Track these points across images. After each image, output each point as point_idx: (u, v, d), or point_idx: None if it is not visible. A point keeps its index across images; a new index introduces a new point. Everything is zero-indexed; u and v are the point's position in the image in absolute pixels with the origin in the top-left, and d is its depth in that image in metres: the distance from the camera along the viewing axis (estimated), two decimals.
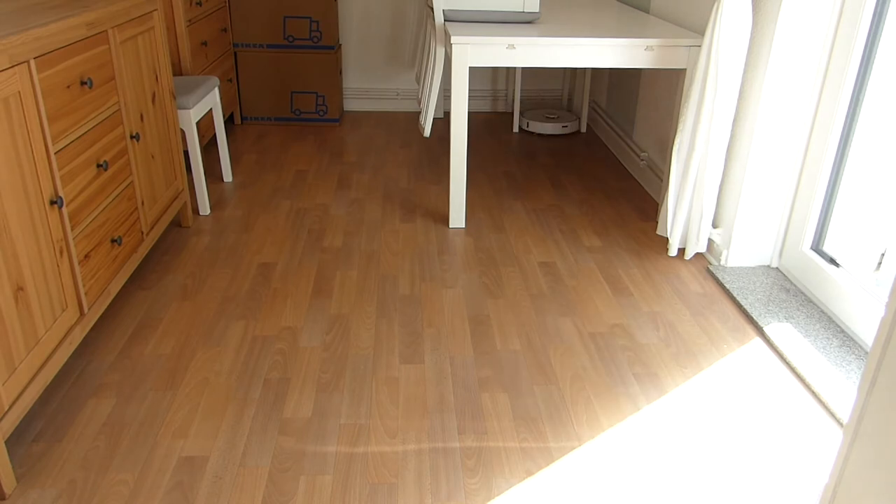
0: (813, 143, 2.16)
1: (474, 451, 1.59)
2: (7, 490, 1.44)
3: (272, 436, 1.62)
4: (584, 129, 3.86)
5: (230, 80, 3.59)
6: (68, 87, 1.69)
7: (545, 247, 2.52)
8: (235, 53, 3.64)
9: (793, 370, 1.87)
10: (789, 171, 2.25)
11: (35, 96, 1.54)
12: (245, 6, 3.56)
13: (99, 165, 1.86)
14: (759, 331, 2.04)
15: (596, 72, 3.89)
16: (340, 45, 3.98)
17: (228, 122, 3.79)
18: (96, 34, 1.84)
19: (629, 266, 2.40)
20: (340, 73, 3.93)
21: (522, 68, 4.05)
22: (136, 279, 2.26)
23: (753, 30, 2.18)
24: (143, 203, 2.16)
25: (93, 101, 1.83)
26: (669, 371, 1.87)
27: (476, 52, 2.40)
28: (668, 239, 2.53)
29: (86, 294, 1.78)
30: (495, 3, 2.60)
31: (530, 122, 3.78)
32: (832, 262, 2.12)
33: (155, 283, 2.24)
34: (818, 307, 2.12)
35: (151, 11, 2.24)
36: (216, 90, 2.85)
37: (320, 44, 3.64)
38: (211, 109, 2.95)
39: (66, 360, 1.75)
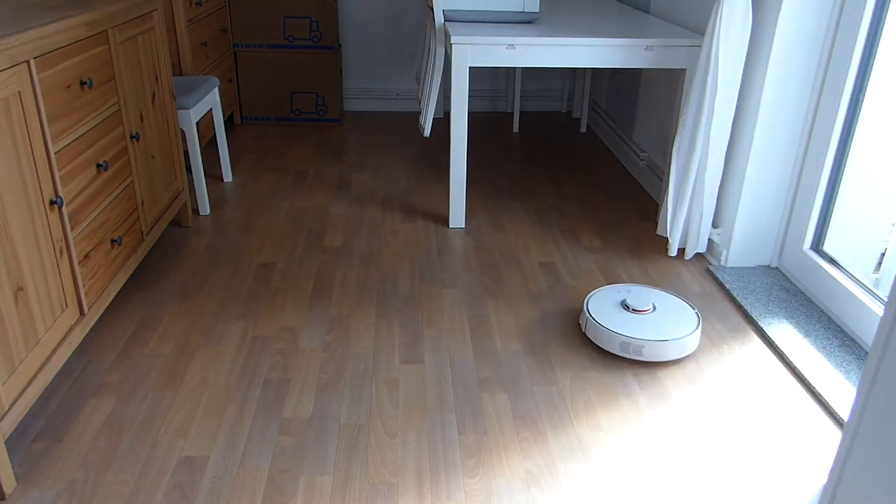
0: (813, 142, 2.16)
1: (474, 451, 1.59)
2: (7, 490, 1.44)
3: (272, 436, 1.62)
4: (584, 129, 3.86)
5: (230, 80, 3.59)
6: (68, 87, 1.69)
7: (545, 247, 2.52)
8: (235, 53, 3.64)
9: (793, 370, 1.87)
10: (789, 171, 2.25)
11: (35, 96, 1.54)
12: (245, 6, 3.56)
13: (99, 165, 1.86)
14: (759, 331, 2.04)
15: (596, 72, 3.89)
16: (340, 45, 3.98)
17: (228, 122, 3.79)
18: (96, 34, 1.84)
19: (629, 266, 2.40)
20: (340, 73, 3.93)
21: (522, 68, 4.05)
22: (136, 279, 2.26)
23: (753, 30, 2.18)
24: (143, 203, 2.16)
25: (93, 102, 1.83)
26: (669, 371, 1.87)
27: (476, 52, 2.40)
28: (668, 239, 2.52)
29: (86, 294, 1.78)
30: (495, 3, 2.60)
31: None
32: (832, 262, 2.12)
33: (155, 284, 2.24)
34: (818, 307, 2.12)
35: (151, 11, 2.24)
36: (216, 90, 2.85)
37: (320, 44, 3.64)
38: (211, 109, 2.95)
39: (66, 360, 1.75)
